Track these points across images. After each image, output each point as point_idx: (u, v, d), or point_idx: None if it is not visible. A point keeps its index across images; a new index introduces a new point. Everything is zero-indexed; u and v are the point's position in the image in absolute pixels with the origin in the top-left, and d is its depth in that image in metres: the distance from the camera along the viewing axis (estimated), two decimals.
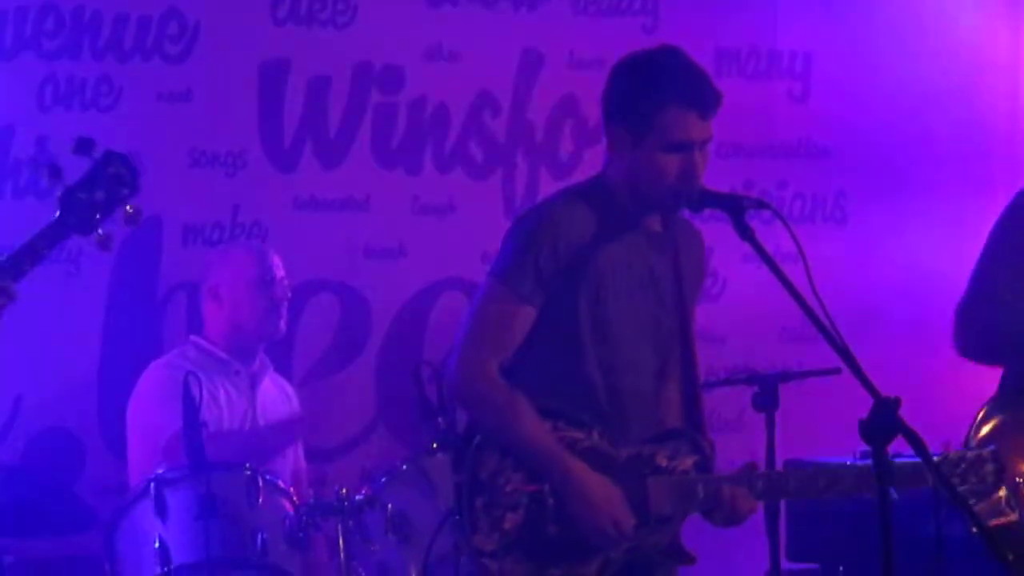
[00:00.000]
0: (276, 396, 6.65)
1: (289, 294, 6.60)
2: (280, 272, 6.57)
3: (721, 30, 7.40)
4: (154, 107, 7.03)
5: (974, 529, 5.01)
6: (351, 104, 7.34)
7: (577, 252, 5.02)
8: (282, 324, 6.59)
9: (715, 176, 5.09)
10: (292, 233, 7.16)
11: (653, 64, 5.08)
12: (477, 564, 5.01)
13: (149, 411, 6.37)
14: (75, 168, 4.93)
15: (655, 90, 4.98)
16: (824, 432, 6.82)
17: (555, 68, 7.55)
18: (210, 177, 7.13)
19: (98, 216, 4.86)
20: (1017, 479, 5.48)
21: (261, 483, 5.88)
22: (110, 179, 4.88)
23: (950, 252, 6.95)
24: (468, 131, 7.50)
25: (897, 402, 4.70)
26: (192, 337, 6.62)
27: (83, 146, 4.90)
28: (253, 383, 6.54)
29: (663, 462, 5.06)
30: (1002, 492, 5.33)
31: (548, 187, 6.91)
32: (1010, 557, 4.64)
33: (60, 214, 4.84)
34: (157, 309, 7.05)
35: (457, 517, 5.03)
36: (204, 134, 7.12)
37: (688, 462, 5.08)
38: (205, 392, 5.93)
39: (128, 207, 4.92)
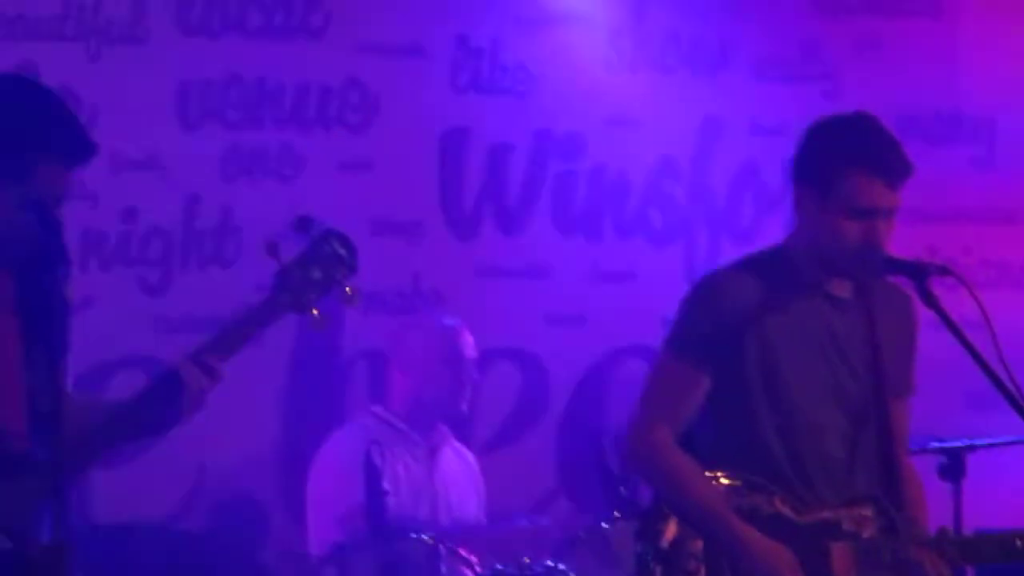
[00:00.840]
0: (456, 465, 6.64)
1: (476, 375, 6.59)
2: (471, 353, 6.57)
3: (903, 95, 7.31)
4: (336, 176, 7.05)
5: None
6: (531, 171, 7.35)
7: (740, 319, 5.00)
8: (465, 405, 6.58)
9: (898, 242, 5.00)
10: (472, 301, 7.14)
11: (844, 128, 5.05)
12: None
13: (329, 481, 6.37)
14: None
15: (844, 155, 4.95)
16: (1013, 502, 6.74)
17: (735, 134, 7.52)
18: (391, 246, 7.13)
19: (313, 295, 4.80)
20: None
21: (443, 551, 5.87)
22: (328, 258, 4.79)
23: None
24: (648, 198, 7.48)
25: None
26: (373, 407, 6.61)
27: (302, 224, 4.86)
28: (432, 453, 6.52)
29: (849, 527, 4.99)
30: None
31: (728, 254, 6.80)
32: None
33: (273, 292, 4.76)
34: (339, 377, 7.06)
35: None
36: (385, 203, 7.12)
37: (873, 528, 5.00)
38: (386, 463, 5.97)
39: (347, 288, 4.83)
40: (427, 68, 7.16)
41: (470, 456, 6.75)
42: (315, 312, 4.77)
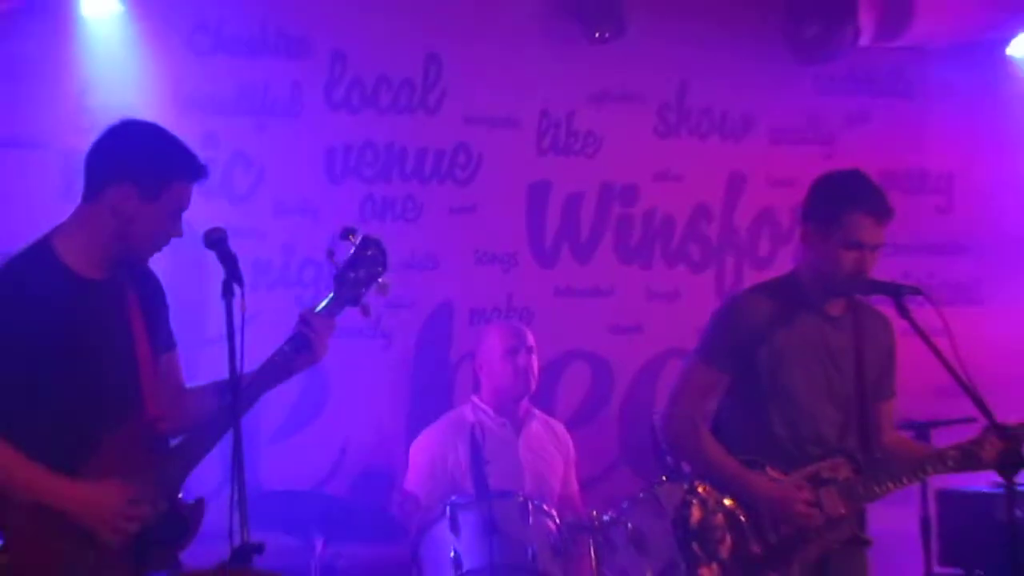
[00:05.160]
0: (544, 436, 6.58)
1: (534, 360, 6.51)
2: (528, 341, 6.50)
3: (883, 155, 7.26)
4: (448, 218, 7.06)
5: None
6: (598, 214, 7.33)
7: (756, 332, 5.02)
8: (532, 383, 6.52)
9: (880, 269, 5.04)
10: (553, 315, 7.14)
11: (844, 180, 5.08)
12: None
13: (429, 452, 6.40)
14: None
15: (846, 199, 4.97)
16: None
17: (756, 186, 7.48)
18: (489, 272, 7.15)
19: (362, 290, 4.67)
20: None
21: (531, 507, 5.85)
22: (368, 260, 4.67)
23: None
24: (688, 235, 7.45)
25: (1020, 438, 4.65)
26: (472, 397, 6.61)
27: (346, 233, 4.72)
28: (518, 430, 6.49)
29: (828, 475, 5.01)
30: None
31: (750, 279, 6.84)
32: None
33: (336, 290, 4.64)
34: (449, 374, 7.05)
35: (682, 562, 5.09)
36: (485, 239, 7.14)
37: (848, 470, 5.02)
38: (485, 440, 5.98)
39: (381, 280, 4.67)
40: (518, 135, 7.17)
41: (559, 427, 6.70)
42: (364, 303, 4.66)
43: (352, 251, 4.65)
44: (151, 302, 4.57)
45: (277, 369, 4.53)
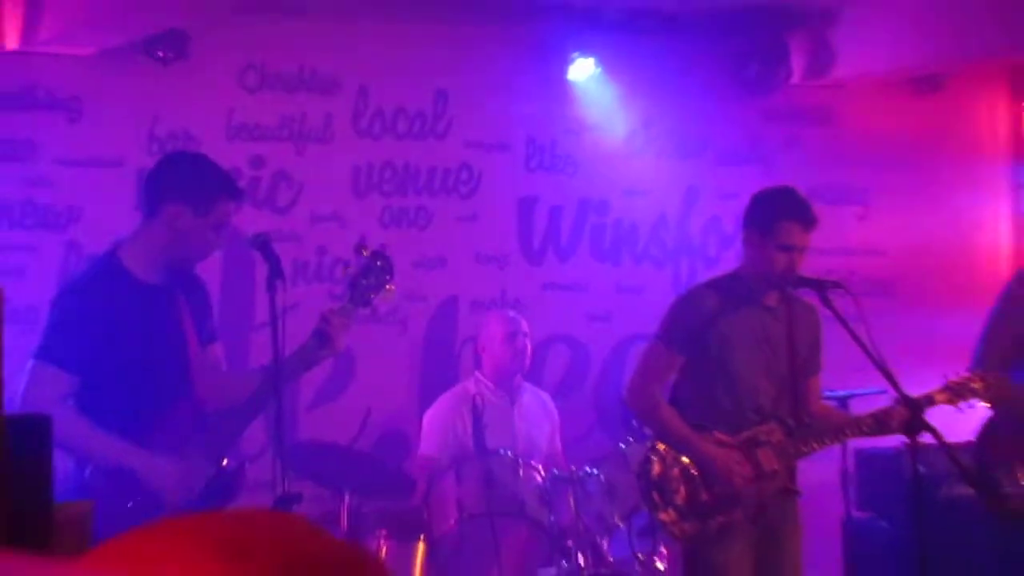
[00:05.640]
0: (534, 405, 6.55)
1: (528, 343, 6.47)
2: (522, 327, 6.47)
3: (811, 172, 7.24)
4: (453, 225, 7.03)
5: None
6: (576, 223, 7.30)
7: (706, 320, 5.03)
8: (526, 362, 6.50)
9: (808, 267, 5.05)
10: (540, 306, 7.11)
11: (778, 194, 5.09)
12: (666, 532, 5.03)
13: (440, 418, 6.36)
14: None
15: (779, 209, 4.98)
16: None
17: (706, 199, 7.45)
18: (487, 270, 7.12)
19: (371, 295, 4.71)
20: None
21: (521, 463, 5.84)
22: (377, 270, 4.69)
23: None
24: (650, 240, 7.41)
25: (924, 406, 4.64)
26: (476, 372, 6.58)
27: (359, 248, 4.79)
28: (513, 401, 6.46)
29: (764, 437, 5.01)
30: None
31: (701, 276, 6.81)
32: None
33: (350, 295, 4.68)
34: (455, 354, 7.03)
35: (645, 508, 5.14)
36: (484, 243, 7.12)
37: (781, 433, 5.02)
38: (485, 409, 5.97)
39: (388, 287, 4.70)
40: (510, 157, 7.14)
41: (546, 398, 6.68)
42: (372, 305, 4.73)
43: (363, 263, 4.68)
44: (197, 302, 4.60)
45: (305, 358, 4.56)
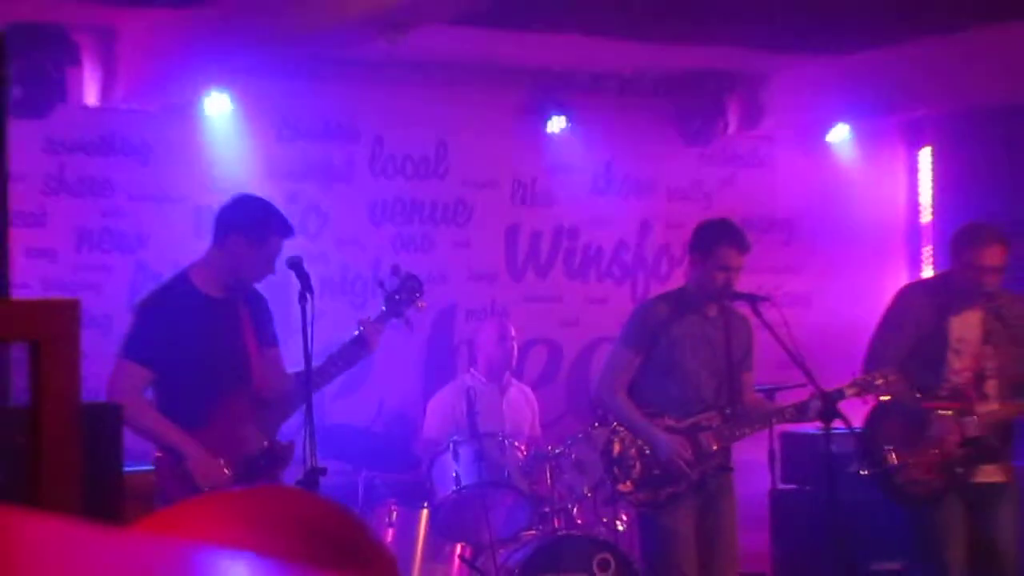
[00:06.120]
0: (519, 397, 6.53)
1: (515, 346, 6.48)
2: (511, 333, 6.47)
3: (745, 207, 7.26)
4: (451, 250, 7.02)
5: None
6: (552, 246, 7.29)
7: (659, 326, 5.04)
8: (513, 361, 6.49)
9: (742, 283, 5.06)
10: (523, 314, 7.09)
11: (719, 224, 5.09)
12: (625, 500, 5.03)
13: (441, 408, 6.34)
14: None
15: (718, 236, 4.98)
16: None
17: (658, 229, 7.47)
18: (479, 286, 7.10)
19: (404, 308, 4.78)
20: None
21: (507, 443, 5.82)
22: (408, 289, 4.79)
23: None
24: (613, 260, 7.41)
25: (836, 398, 4.64)
26: (471, 368, 6.57)
27: (395, 270, 4.87)
28: (502, 392, 6.45)
29: (706, 423, 5.01)
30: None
31: (656, 290, 6.84)
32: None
33: (386, 307, 4.77)
34: (452, 352, 7.03)
35: (608, 481, 5.13)
36: (476, 262, 7.07)
37: (717, 420, 5.02)
38: (477, 399, 5.93)
39: (420, 303, 4.82)
40: (498, 193, 7.13)
41: (528, 390, 6.65)
42: (406, 317, 4.79)
43: (399, 282, 4.76)
44: (257, 312, 4.64)
45: (346, 358, 4.63)
